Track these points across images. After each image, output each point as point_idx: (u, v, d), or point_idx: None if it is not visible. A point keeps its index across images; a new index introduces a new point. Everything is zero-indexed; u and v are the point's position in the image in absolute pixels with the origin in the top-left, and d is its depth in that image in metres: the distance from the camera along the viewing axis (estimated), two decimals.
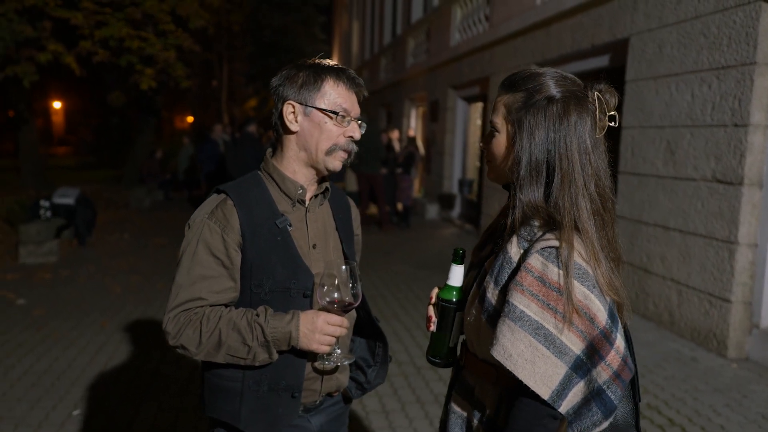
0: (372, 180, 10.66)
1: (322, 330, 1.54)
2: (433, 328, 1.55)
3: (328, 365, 1.63)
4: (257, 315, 1.56)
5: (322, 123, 1.63)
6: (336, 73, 1.65)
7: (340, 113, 1.63)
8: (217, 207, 1.62)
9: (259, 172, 1.73)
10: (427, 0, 14.83)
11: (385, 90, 18.95)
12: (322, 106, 1.63)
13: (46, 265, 7.56)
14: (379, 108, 20.23)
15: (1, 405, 3.73)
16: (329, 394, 1.78)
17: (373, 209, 11.64)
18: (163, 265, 7.75)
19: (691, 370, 4.47)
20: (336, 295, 1.55)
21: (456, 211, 12.34)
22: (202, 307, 1.58)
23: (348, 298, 1.56)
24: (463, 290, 1.52)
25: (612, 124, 1.37)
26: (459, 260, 1.51)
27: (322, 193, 1.75)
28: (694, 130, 5.05)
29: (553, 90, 1.35)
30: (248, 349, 1.54)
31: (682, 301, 5.14)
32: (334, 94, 1.63)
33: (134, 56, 11.97)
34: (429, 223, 12.16)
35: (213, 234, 1.59)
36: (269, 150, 1.75)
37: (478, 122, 11.67)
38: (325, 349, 1.57)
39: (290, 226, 1.65)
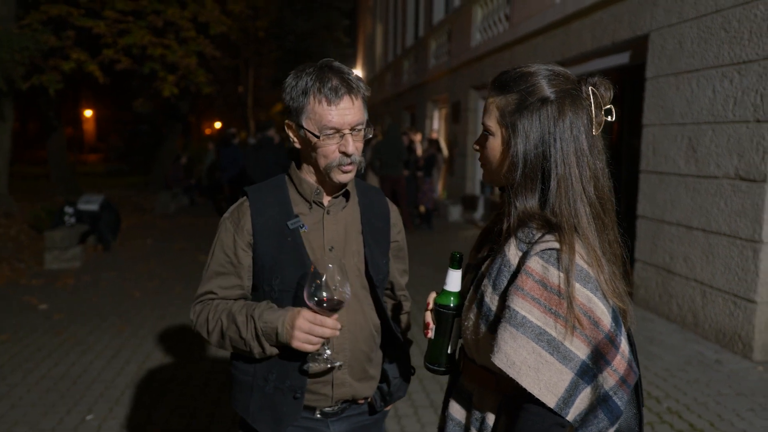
0: (394, 182, 10.63)
1: (300, 327, 1.51)
2: (430, 335, 1.49)
3: (315, 367, 1.61)
4: (254, 309, 1.59)
5: (312, 142, 1.59)
6: (318, 87, 1.55)
7: (323, 134, 1.56)
8: (236, 207, 1.70)
9: (285, 175, 1.76)
10: (449, 0, 14.75)
11: (408, 92, 18.91)
12: (309, 127, 1.58)
13: (69, 270, 7.68)
14: (402, 110, 20.20)
15: (17, 410, 3.78)
16: (352, 402, 1.75)
17: None
18: (182, 269, 7.82)
19: (715, 373, 4.34)
20: (324, 294, 1.50)
21: (479, 212, 12.22)
22: (213, 300, 1.68)
23: (336, 297, 1.51)
24: (461, 295, 1.47)
25: (609, 118, 1.32)
26: (456, 265, 1.45)
27: (343, 194, 1.71)
28: (715, 126, 4.90)
29: (547, 90, 1.30)
30: (244, 342, 1.58)
31: (707, 302, 4.99)
32: (318, 113, 1.55)
33: (157, 63, 12.15)
34: (452, 225, 12.06)
35: (227, 233, 1.68)
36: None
37: None
38: (308, 347, 1.53)
39: (303, 227, 1.65)
